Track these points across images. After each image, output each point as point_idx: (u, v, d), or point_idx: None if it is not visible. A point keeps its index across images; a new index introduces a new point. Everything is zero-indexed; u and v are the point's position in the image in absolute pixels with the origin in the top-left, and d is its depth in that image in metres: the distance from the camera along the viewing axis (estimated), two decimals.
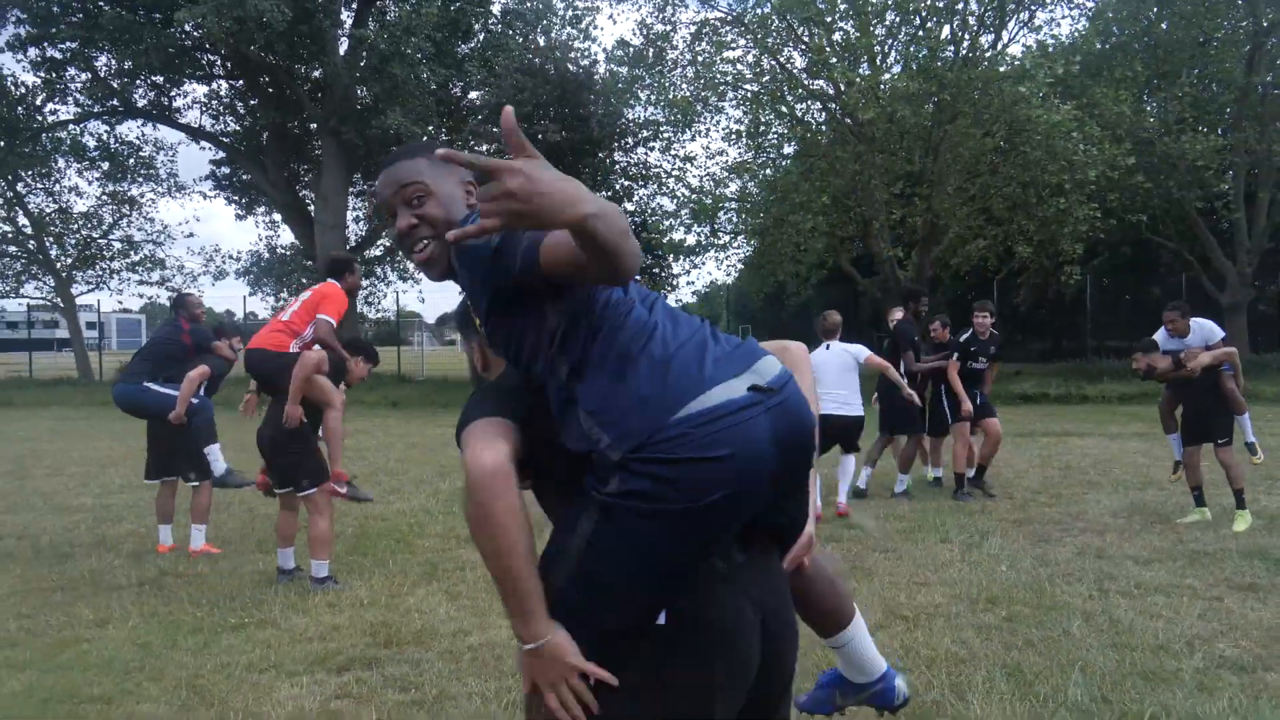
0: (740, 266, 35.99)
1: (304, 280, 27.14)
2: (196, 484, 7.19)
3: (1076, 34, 27.44)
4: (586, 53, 30.92)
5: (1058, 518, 7.99)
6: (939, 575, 6.14)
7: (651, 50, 26.51)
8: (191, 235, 72.03)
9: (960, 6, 23.79)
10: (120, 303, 77.74)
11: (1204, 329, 7.89)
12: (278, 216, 29.72)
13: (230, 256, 30.58)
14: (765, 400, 1.64)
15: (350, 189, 28.70)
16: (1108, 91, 21.76)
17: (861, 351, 8.68)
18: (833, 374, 8.26)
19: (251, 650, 4.88)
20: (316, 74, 26.44)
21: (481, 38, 27.62)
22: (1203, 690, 4.11)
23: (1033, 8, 25.14)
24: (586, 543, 1.66)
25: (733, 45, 25.69)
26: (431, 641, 4.95)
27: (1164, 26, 25.35)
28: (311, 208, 27.83)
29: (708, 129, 42.27)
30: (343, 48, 25.52)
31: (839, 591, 2.25)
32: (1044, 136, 20.19)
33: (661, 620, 1.70)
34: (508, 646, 3.11)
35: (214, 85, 28.63)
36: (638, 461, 1.59)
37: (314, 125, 27.20)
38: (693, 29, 26.15)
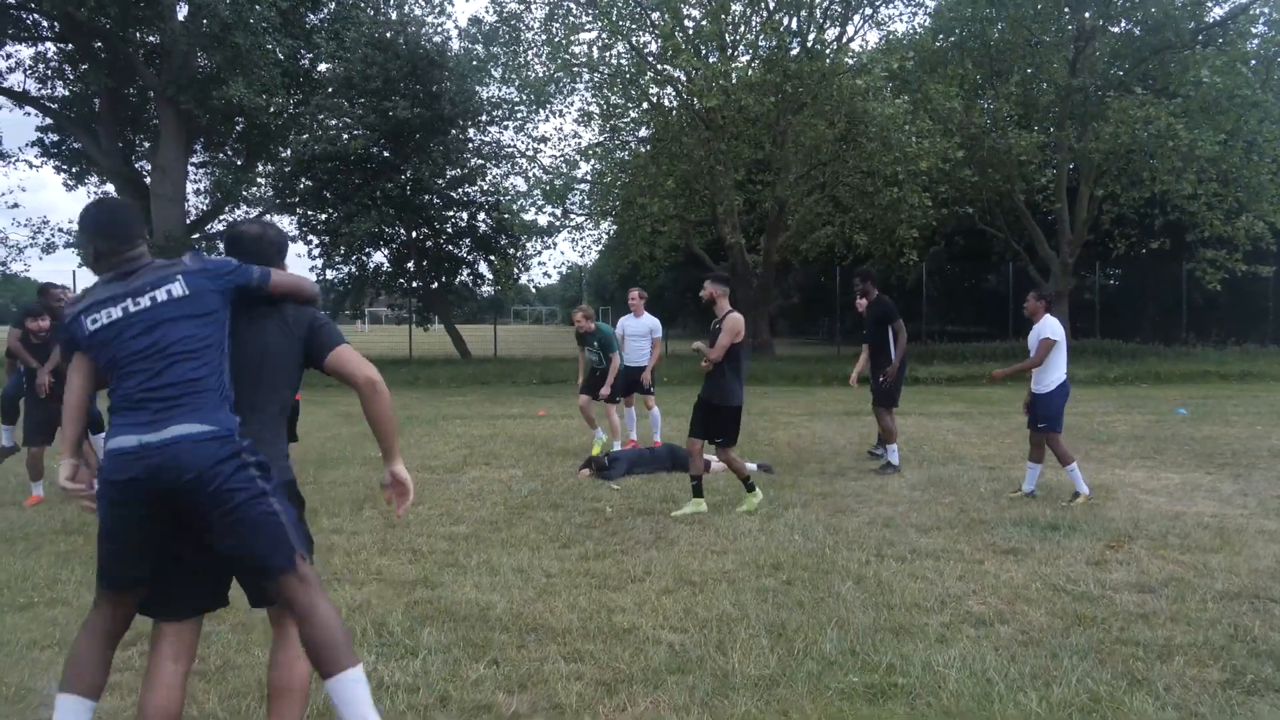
0: (597, 249, 36.36)
1: None
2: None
3: (916, 31, 28.63)
4: (439, 28, 30.56)
5: (860, 491, 8.48)
6: (735, 544, 6.48)
7: (505, 29, 26.38)
8: (16, 206, 67.98)
9: None
10: None
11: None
12: (111, 187, 28.32)
13: (59, 230, 28.85)
14: (142, 453, 2.77)
15: (190, 160, 27.63)
16: (941, 88, 22.80)
17: None
18: None
19: (36, 629, 4.82)
20: (153, 39, 25.30)
21: (331, 8, 26.93)
22: (941, 642, 4.52)
23: (876, 3, 26.13)
24: None
25: (588, 27, 25.80)
26: (227, 615, 4.96)
27: (999, 28, 26.65)
28: (148, 179, 26.66)
29: (562, 110, 42.23)
30: (182, 13, 24.48)
31: (329, 648, 2.92)
32: (879, 128, 21.05)
33: None
34: None
35: (41, 48, 27.04)
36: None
37: (151, 93, 26.05)
38: (546, 9, 26.16)
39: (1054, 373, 8.11)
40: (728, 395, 7.55)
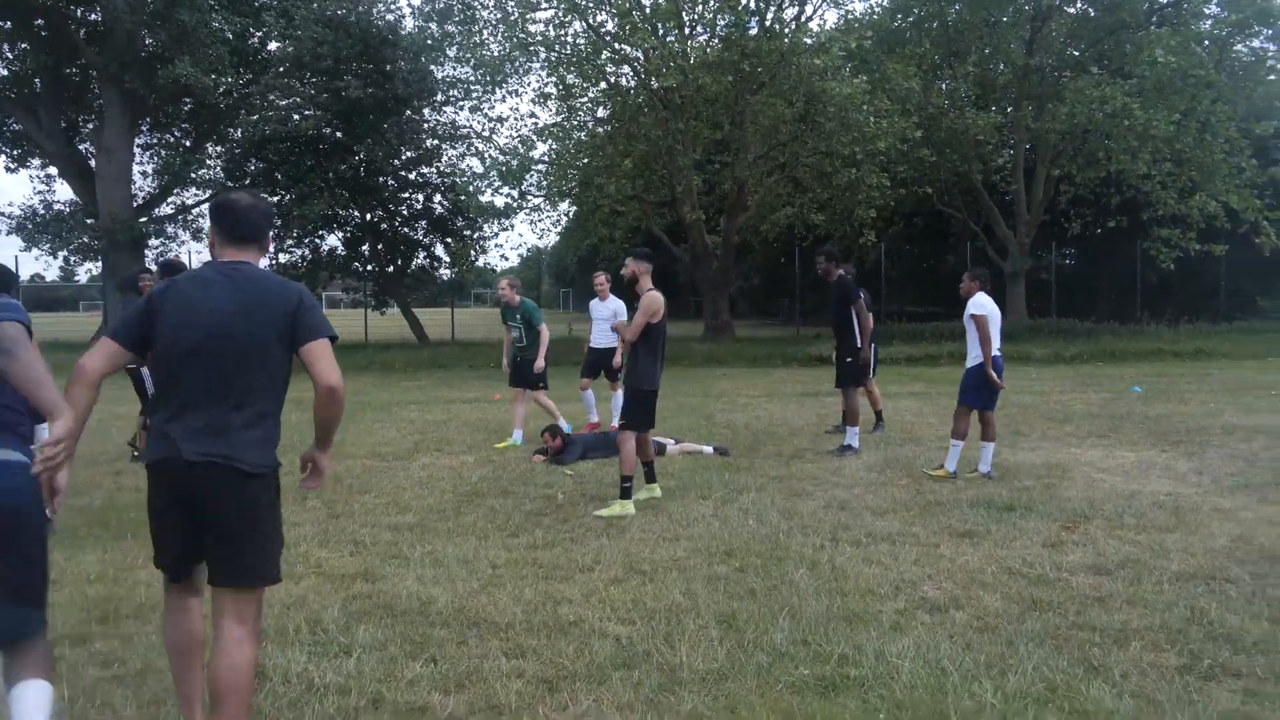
0: (556, 232, 36.03)
1: (84, 239, 25.38)
2: None
3: (875, 10, 28.55)
4: (392, 6, 29.99)
5: (816, 473, 8.37)
6: (688, 530, 6.33)
7: (459, 6, 25.93)
8: None
9: None
10: None
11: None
12: (54, 170, 27.59)
13: (0, 214, 28.06)
14: None
15: (137, 141, 26.98)
16: (899, 67, 22.74)
17: None
18: None
19: None
20: (95, 16, 24.61)
21: None
22: (895, 630, 4.40)
23: None
24: None
25: (544, 6, 25.41)
26: (152, 615, 4.74)
27: (957, 8, 26.65)
28: (93, 161, 25.99)
29: (518, 90, 41.67)
30: None
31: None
32: (838, 108, 20.94)
33: None
34: None
35: None
36: None
37: (94, 72, 25.37)
38: None
39: (981, 348, 8.14)
40: (639, 378, 7.15)
